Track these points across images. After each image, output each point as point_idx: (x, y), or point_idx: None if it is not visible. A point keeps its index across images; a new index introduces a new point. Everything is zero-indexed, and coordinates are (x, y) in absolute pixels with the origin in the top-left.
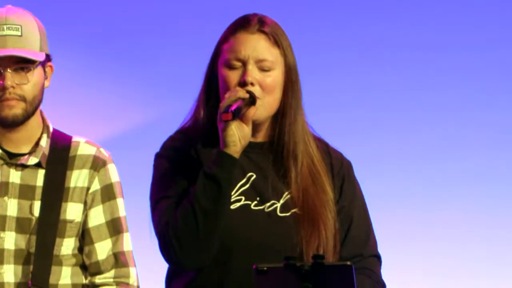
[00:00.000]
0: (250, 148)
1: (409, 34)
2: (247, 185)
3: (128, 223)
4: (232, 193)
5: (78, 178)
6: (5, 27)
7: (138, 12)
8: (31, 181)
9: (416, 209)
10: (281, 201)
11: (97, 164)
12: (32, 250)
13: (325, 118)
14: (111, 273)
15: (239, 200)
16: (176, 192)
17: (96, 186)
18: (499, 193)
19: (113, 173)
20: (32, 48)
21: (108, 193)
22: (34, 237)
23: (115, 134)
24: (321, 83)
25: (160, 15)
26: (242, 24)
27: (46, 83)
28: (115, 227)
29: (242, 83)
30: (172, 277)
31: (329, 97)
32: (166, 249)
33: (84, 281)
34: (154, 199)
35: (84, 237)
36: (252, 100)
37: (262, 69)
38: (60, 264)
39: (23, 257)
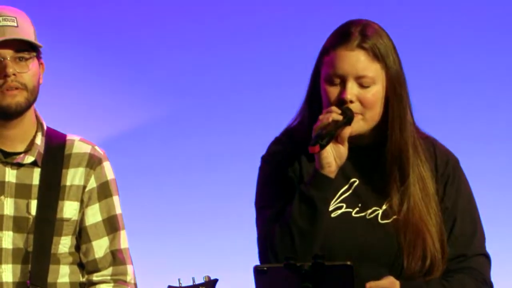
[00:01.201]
0: (353, 152)
1: (408, 35)
2: (349, 192)
3: (126, 222)
4: (334, 200)
5: (74, 176)
6: (1, 18)
7: (138, 13)
8: (27, 180)
9: None
10: (383, 207)
11: (93, 162)
12: (30, 249)
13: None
14: (109, 270)
15: (340, 208)
16: (278, 203)
17: (92, 184)
18: (499, 193)
19: (108, 170)
20: (30, 39)
21: (104, 191)
22: (31, 236)
23: (115, 134)
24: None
25: (160, 16)
26: (343, 38)
27: (40, 79)
28: (112, 225)
29: (341, 101)
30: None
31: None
32: (264, 261)
33: (82, 279)
34: (258, 205)
35: (81, 235)
36: (348, 120)
37: (362, 86)
38: (58, 262)
39: (21, 256)
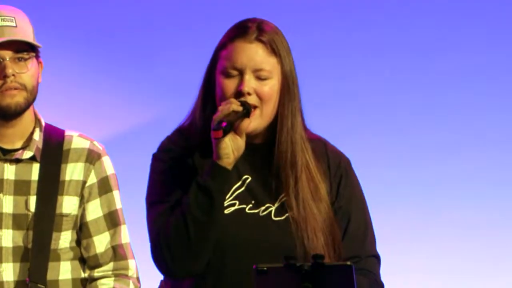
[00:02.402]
0: (246, 150)
1: (407, 36)
2: (242, 188)
3: (128, 220)
4: (227, 196)
5: (73, 171)
6: (0, 18)
7: (138, 13)
8: (26, 176)
9: (415, 209)
10: (276, 204)
11: (92, 157)
12: (30, 246)
13: (325, 119)
14: (110, 266)
15: (234, 205)
16: (170, 198)
17: (92, 179)
18: (499, 193)
19: (108, 165)
20: (28, 39)
21: (104, 186)
22: (31, 233)
23: (115, 134)
24: (320, 84)
25: (160, 16)
26: (240, 31)
27: (39, 78)
28: (112, 220)
29: (239, 93)
30: (168, 282)
31: (328, 99)
32: (158, 258)
33: (83, 275)
34: (149, 201)
35: (82, 230)
36: (246, 112)
37: (259, 78)
38: (58, 259)
39: (21, 254)
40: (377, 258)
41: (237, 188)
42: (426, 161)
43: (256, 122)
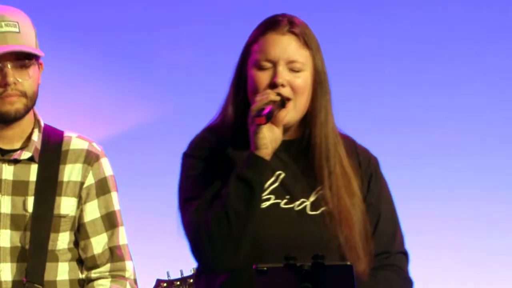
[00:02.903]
0: (279, 146)
1: (409, 36)
2: (276, 184)
3: (125, 221)
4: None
5: (71, 172)
6: (3, 23)
7: (139, 13)
8: (24, 176)
9: (415, 209)
10: (311, 199)
11: (90, 158)
12: (27, 246)
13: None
14: (107, 267)
15: (269, 199)
16: (205, 193)
17: (90, 180)
18: (499, 193)
19: (106, 167)
20: (30, 44)
21: (102, 187)
22: (28, 234)
23: (115, 134)
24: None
25: (160, 16)
26: (272, 24)
27: (39, 80)
28: (110, 221)
29: (273, 85)
30: (202, 275)
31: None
32: (199, 252)
33: (81, 276)
34: (182, 199)
35: (80, 231)
36: (282, 102)
37: (292, 70)
38: (56, 259)
39: (19, 254)
40: (405, 255)
41: (272, 183)
42: (426, 162)
43: (290, 115)
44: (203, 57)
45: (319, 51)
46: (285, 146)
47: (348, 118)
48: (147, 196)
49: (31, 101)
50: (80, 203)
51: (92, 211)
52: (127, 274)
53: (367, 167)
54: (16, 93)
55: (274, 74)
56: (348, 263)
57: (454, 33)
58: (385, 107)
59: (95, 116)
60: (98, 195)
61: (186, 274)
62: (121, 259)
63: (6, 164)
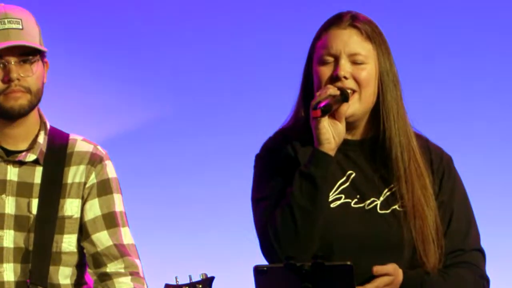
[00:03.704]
0: (349, 146)
1: (409, 34)
2: (347, 183)
3: (131, 224)
4: (332, 191)
5: (75, 174)
6: (6, 20)
7: (139, 13)
8: (28, 178)
9: None
10: (381, 198)
11: (94, 160)
12: (31, 248)
13: None
14: (120, 263)
15: (339, 199)
16: (275, 193)
17: (92, 180)
18: (499, 192)
19: (110, 169)
20: (34, 41)
21: (104, 188)
22: (32, 235)
23: (115, 134)
24: None
25: (161, 16)
26: (335, 20)
27: (44, 79)
28: (111, 220)
29: (335, 78)
30: None
31: None
32: (267, 249)
33: (93, 277)
34: (254, 200)
35: (83, 231)
36: (344, 97)
37: (355, 63)
38: (60, 262)
39: (22, 255)
40: (481, 252)
41: (342, 183)
42: None
43: (354, 107)
44: (204, 57)
45: (384, 45)
46: (356, 146)
47: None
48: (148, 197)
49: (36, 97)
50: (82, 202)
51: (92, 209)
52: (140, 271)
53: (439, 165)
54: (20, 89)
55: (336, 67)
56: (348, 263)
57: (454, 33)
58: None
59: (95, 116)
60: (99, 195)
61: (195, 279)
62: (129, 255)
63: (11, 166)
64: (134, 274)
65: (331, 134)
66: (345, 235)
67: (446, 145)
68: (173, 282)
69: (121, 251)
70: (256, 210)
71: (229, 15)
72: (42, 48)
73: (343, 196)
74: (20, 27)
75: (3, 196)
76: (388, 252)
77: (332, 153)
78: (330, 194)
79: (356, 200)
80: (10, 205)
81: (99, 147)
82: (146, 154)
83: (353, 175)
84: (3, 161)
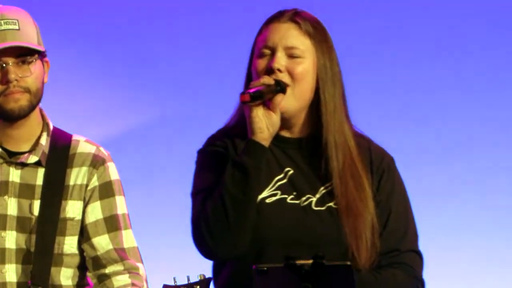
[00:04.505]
0: (288, 144)
1: (411, 34)
2: (284, 180)
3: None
4: (269, 187)
5: (77, 176)
6: (2, 22)
7: (139, 13)
8: (30, 180)
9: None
10: (317, 196)
11: (96, 162)
12: (33, 249)
13: None
14: (120, 265)
15: (275, 195)
16: (210, 186)
17: (94, 183)
18: (500, 192)
19: (112, 171)
20: (31, 41)
21: (106, 190)
22: (34, 236)
23: (115, 134)
24: None
25: (161, 16)
26: (276, 15)
27: (45, 79)
28: (113, 224)
29: (269, 70)
30: (215, 273)
31: None
32: (198, 241)
33: (93, 280)
34: (192, 193)
35: (83, 233)
36: (280, 88)
37: (292, 57)
38: (61, 264)
39: (24, 257)
40: (418, 253)
41: (280, 179)
42: (426, 163)
43: (288, 101)
44: (204, 57)
45: (326, 44)
46: (295, 143)
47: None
48: (148, 197)
49: (35, 97)
50: (84, 205)
51: (94, 212)
52: (140, 272)
53: (379, 165)
54: (19, 89)
55: (271, 60)
56: (348, 263)
57: (454, 33)
58: (384, 107)
59: (95, 116)
60: (101, 198)
61: (192, 280)
62: (129, 259)
63: (13, 167)
64: (133, 273)
65: (264, 123)
66: (279, 230)
67: (446, 144)
68: (171, 283)
69: (121, 255)
70: (192, 203)
71: (229, 15)
72: (39, 47)
73: (279, 192)
74: (17, 27)
75: (6, 197)
76: (321, 248)
77: (265, 143)
78: (267, 189)
79: (292, 196)
80: (12, 207)
81: (101, 148)
82: (146, 154)
83: (291, 172)
84: (5, 162)
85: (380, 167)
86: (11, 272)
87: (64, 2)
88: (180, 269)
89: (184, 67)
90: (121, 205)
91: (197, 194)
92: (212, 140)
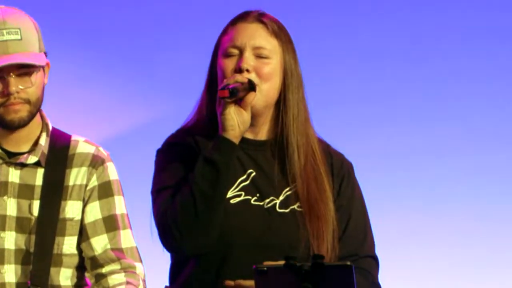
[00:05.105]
0: (250, 146)
1: (406, 36)
2: (247, 181)
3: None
4: (232, 188)
5: (77, 176)
6: (4, 31)
7: (139, 12)
8: (30, 180)
9: (417, 209)
10: (280, 198)
11: (95, 162)
12: (32, 249)
13: (327, 117)
14: (117, 265)
15: (239, 195)
16: (176, 182)
17: (94, 183)
18: (500, 192)
19: (111, 171)
20: (33, 50)
21: (105, 190)
22: (33, 237)
23: (115, 134)
24: (321, 82)
25: (161, 16)
26: (242, 15)
27: (45, 80)
28: (111, 224)
29: (238, 70)
30: (174, 272)
31: (331, 96)
32: (165, 236)
33: (91, 281)
34: (154, 191)
35: (82, 233)
36: (251, 86)
37: (259, 56)
38: (60, 264)
39: (24, 257)
40: (375, 259)
41: (243, 180)
42: (426, 163)
43: (255, 100)
44: (204, 57)
45: (290, 45)
46: (258, 145)
47: (346, 117)
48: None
49: (35, 107)
50: (83, 205)
51: (92, 212)
52: (137, 271)
53: (339, 170)
54: (19, 101)
55: (240, 60)
56: (348, 263)
57: (454, 32)
58: (382, 107)
59: (95, 116)
60: (100, 197)
61: None
62: (126, 259)
63: (13, 167)
64: (129, 272)
65: (236, 121)
66: (244, 230)
67: (447, 143)
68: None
69: (118, 255)
70: (156, 200)
71: (229, 15)
72: (41, 62)
73: (243, 193)
74: (19, 37)
75: (5, 198)
76: (284, 249)
77: (236, 140)
78: (231, 190)
79: (255, 198)
80: (11, 207)
81: (101, 148)
82: (146, 154)
83: (253, 174)
84: (4, 163)
85: (341, 172)
86: (10, 273)
87: (63, 2)
88: None
89: (184, 67)
90: (120, 205)
91: (161, 190)
92: (173, 139)
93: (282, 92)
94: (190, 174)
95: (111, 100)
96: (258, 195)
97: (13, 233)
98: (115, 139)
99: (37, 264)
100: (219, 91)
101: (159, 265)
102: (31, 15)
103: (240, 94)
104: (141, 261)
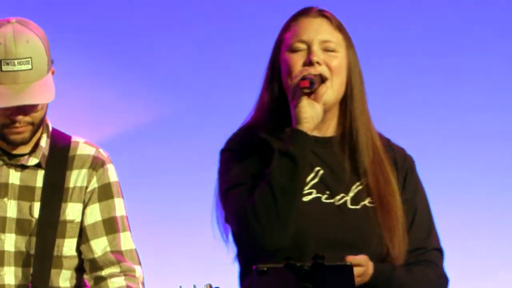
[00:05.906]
0: (317, 143)
1: (406, 36)
2: (316, 179)
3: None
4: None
5: (77, 178)
6: (16, 62)
7: (139, 12)
8: (30, 182)
9: None
10: (350, 194)
11: (96, 164)
12: (32, 251)
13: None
14: (116, 267)
15: (311, 193)
16: (248, 178)
17: (94, 184)
18: (501, 191)
19: (111, 173)
20: (43, 76)
21: (105, 192)
22: (34, 239)
23: (115, 134)
24: None
25: (161, 16)
26: (303, 11)
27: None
28: (111, 226)
29: (308, 64)
30: (244, 276)
31: None
32: (246, 232)
33: (90, 283)
34: (224, 189)
35: (82, 236)
36: (322, 78)
37: (327, 50)
38: (60, 266)
39: (23, 259)
40: (441, 252)
41: (312, 179)
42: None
43: (327, 94)
44: (204, 57)
45: (351, 40)
46: (324, 143)
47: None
48: (148, 199)
49: (38, 126)
50: (83, 206)
51: (92, 214)
52: (137, 274)
53: (403, 164)
54: (23, 125)
55: (309, 54)
56: (348, 263)
57: (454, 32)
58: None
59: (94, 116)
60: (100, 200)
61: None
62: (126, 262)
63: (13, 169)
64: (129, 275)
65: (309, 114)
66: (317, 228)
67: (446, 142)
68: None
69: (118, 258)
70: (230, 198)
71: (230, 15)
72: (48, 99)
73: (314, 191)
74: (30, 67)
75: (5, 199)
76: (358, 246)
77: (310, 133)
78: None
79: (326, 195)
80: (12, 209)
81: (101, 150)
82: (146, 155)
83: (321, 171)
84: (5, 164)
85: (404, 166)
86: (9, 275)
87: (64, 2)
88: (186, 278)
89: (184, 67)
90: (119, 207)
91: (234, 188)
92: (235, 138)
93: (349, 86)
94: (265, 170)
95: (111, 100)
96: (328, 192)
97: (13, 235)
98: (115, 139)
99: (37, 266)
100: (301, 82)
101: (160, 272)
102: (31, 15)
103: (316, 85)
104: (140, 263)
